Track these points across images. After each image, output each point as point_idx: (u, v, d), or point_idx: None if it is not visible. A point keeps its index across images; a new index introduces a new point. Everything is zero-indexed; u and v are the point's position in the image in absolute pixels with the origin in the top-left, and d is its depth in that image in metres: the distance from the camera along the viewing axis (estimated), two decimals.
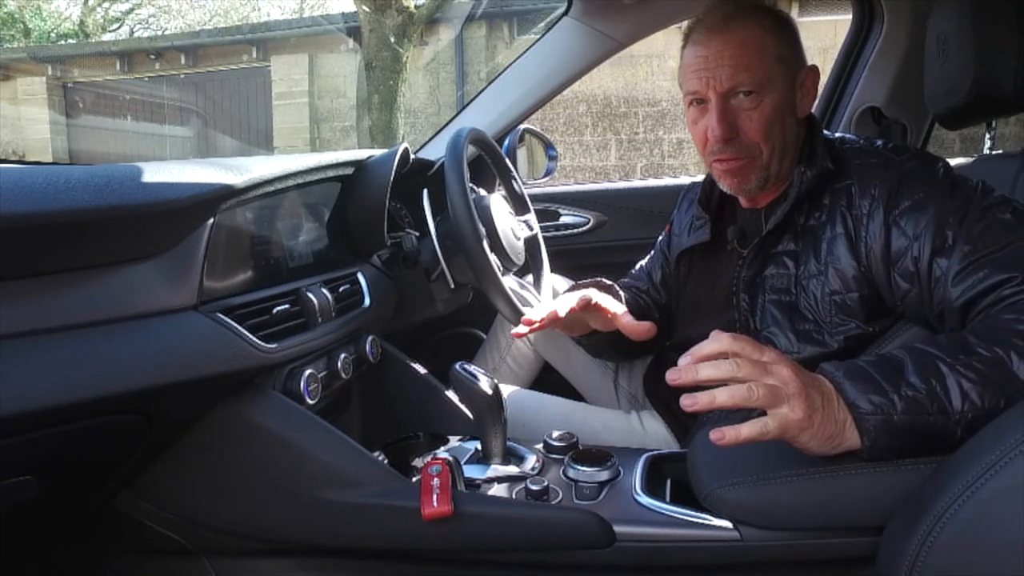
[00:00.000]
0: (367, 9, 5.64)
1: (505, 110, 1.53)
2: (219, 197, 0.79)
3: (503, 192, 1.34)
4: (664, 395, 1.13)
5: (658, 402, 1.15)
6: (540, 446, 0.97)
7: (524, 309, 1.06)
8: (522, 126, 1.55)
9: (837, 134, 0.96)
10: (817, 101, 0.97)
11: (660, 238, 1.25)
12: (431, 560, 0.89)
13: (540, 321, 0.95)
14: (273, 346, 0.85)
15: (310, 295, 0.95)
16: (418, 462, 0.95)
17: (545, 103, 1.56)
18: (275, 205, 0.97)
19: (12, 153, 8.22)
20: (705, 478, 0.78)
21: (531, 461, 0.94)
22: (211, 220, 0.79)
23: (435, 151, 1.49)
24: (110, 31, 11.74)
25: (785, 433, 0.67)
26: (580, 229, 1.70)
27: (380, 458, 0.92)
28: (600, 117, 6.44)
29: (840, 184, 0.88)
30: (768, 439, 0.67)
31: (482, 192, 1.22)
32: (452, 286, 1.21)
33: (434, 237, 1.17)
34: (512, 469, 0.92)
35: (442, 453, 0.96)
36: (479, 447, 0.96)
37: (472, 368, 0.93)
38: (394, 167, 1.14)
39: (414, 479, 0.87)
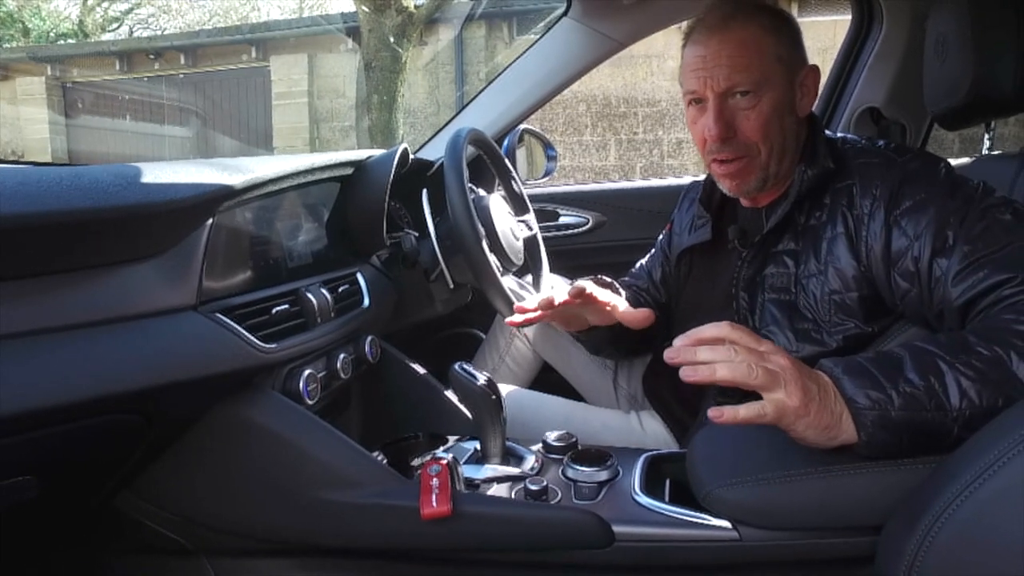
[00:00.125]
0: (366, 9, 5.64)
1: (504, 110, 1.53)
2: (218, 197, 0.79)
3: (502, 192, 1.34)
4: (663, 395, 1.13)
5: (657, 402, 1.15)
6: (539, 446, 0.97)
7: (513, 290, 1.06)
8: (521, 126, 1.55)
9: (839, 134, 0.97)
10: (816, 101, 0.97)
11: (661, 237, 1.25)
12: (430, 560, 0.89)
13: (534, 310, 0.95)
14: (272, 346, 0.85)
15: (309, 295, 0.95)
16: (417, 462, 0.95)
17: (544, 103, 1.56)
18: (274, 205, 0.97)
19: (11, 153, 8.21)
20: (704, 478, 0.78)
21: (530, 461, 0.94)
22: (210, 220, 0.79)
23: (434, 151, 1.49)
24: (109, 31, 11.75)
25: (781, 419, 0.68)
26: (579, 229, 1.70)
27: (379, 458, 0.92)
28: (599, 117, 6.45)
29: (841, 184, 0.88)
30: (765, 422, 0.67)
31: (481, 192, 1.22)
32: (451, 286, 1.21)
33: (433, 237, 1.17)
34: (511, 469, 0.92)
35: (441, 453, 0.96)
36: (478, 447, 0.96)
37: (471, 368, 0.93)
38: (393, 167, 1.14)
39: (413, 479, 0.87)
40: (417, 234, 1.24)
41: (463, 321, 1.61)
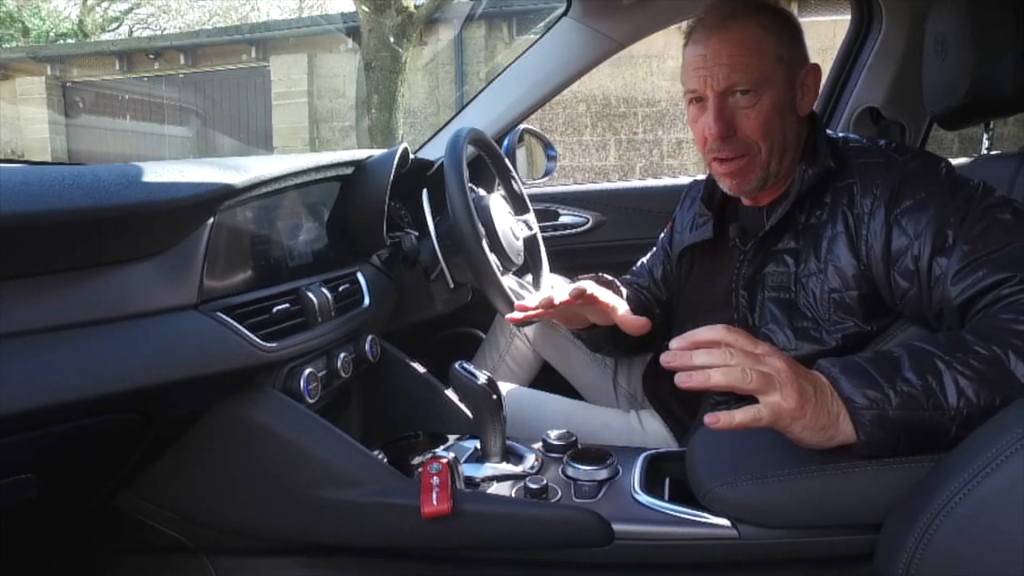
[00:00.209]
0: (366, 9, 5.64)
1: (504, 110, 1.54)
2: (219, 197, 0.80)
3: (502, 192, 1.34)
4: (663, 394, 1.13)
5: (657, 401, 1.15)
6: (539, 445, 0.98)
7: (513, 289, 1.06)
8: (521, 126, 1.55)
9: (840, 133, 0.97)
10: (816, 101, 0.97)
11: (662, 235, 1.25)
12: (430, 558, 0.89)
13: (535, 308, 0.96)
14: (273, 345, 0.85)
15: (310, 294, 0.95)
16: (417, 461, 0.95)
17: (544, 103, 1.56)
18: (275, 205, 0.98)
19: (11, 152, 8.21)
20: (703, 477, 0.78)
21: (530, 460, 0.94)
22: (211, 220, 0.80)
23: (434, 151, 1.49)
24: (109, 31, 11.74)
25: (778, 421, 0.68)
26: (579, 229, 1.70)
27: (380, 457, 0.92)
28: (599, 117, 6.45)
29: (842, 183, 0.88)
30: (761, 425, 0.68)
31: (481, 192, 1.22)
32: (451, 286, 1.21)
33: (433, 237, 1.18)
34: (511, 468, 0.92)
35: (441, 452, 0.96)
36: (478, 446, 0.96)
37: (471, 367, 0.94)
38: (393, 167, 1.15)
39: (414, 478, 0.87)
40: (417, 234, 1.25)
41: (463, 320, 1.61)
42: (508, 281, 1.14)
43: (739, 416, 0.67)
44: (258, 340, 0.83)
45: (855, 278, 0.87)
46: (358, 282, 1.12)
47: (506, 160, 1.33)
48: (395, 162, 1.15)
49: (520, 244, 1.24)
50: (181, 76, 8.20)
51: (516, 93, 1.53)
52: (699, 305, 1.08)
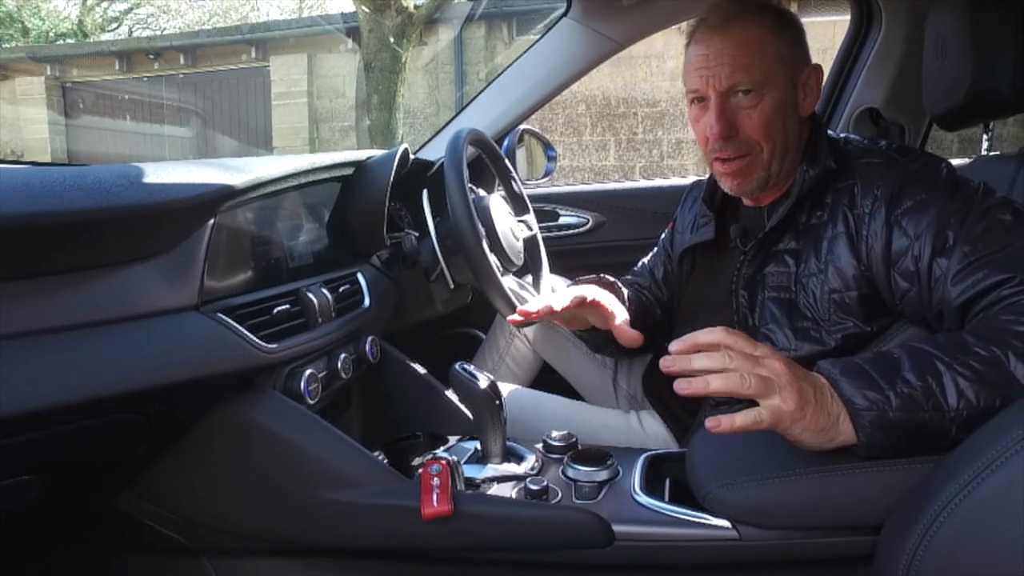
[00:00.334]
0: (366, 9, 5.64)
1: (504, 111, 1.54)
2: (220, 198, 0.80)
3: (502, 193, 1.34)
4: (663, 395, 1.13)
5: (657, 402, 1.15)
6: (539, 446, 0.98)
7: (513, 290, 1.06)
8: (521, 127, 1.55)
9: (841, 134, 0.97)
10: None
11: (663, 236, 1.25)
12: (431, 559, 0.89)
13: (536, 313, 0.96)
14: (273, 346, 0.85)
15: (310, 295, 0.95)
16: (418, 462, 0.95)
17: (544, 104, 1.56)
18: (275, 205, 0.98)
19: (11, 153, 8.21)
20: (704, 478, 0.78)
21: (530, 461, 0.94)
22: (212, 220, 0.80)
23: (434, 151, 1.49)
24: (109, 31, 11.75)
25: (778, 424, 0.68)
26: (579, 229, 1.70)
27: (380, 458, 0.92)
28: (599, 117, 6.45)
29: (843, 183, 0.88)
30: (762, 428, 0.68)
31: (481, 192, 1.22)
32: (451, 286, 1.21)
33: (434, 237, 1.18)
34: (512, 469, 0.92)
35: (442, 453, 0.96)
36: (479, 447, 0.96)
37: (472, 368, 0.94)
38: (394, 168, 1.15)
39: (414, 479, 0.87)
40: (417, 234, 1.24)
41: (463, 321, 1.61)
42: (508, 282, 1.14)
43: (739, 420, 0.67)
44: (258, 341, 0.83)
45: (855, 279, 0.87)
46: (358, 283, 1.12)
47: (506, 161, 1.33)
48: (395, 163, 1.15)
49: (520, 245, 1.24)
50: (181, 76, 8.20)
51: (516, 94, 1.53)
52: (700, 305, 1.08)
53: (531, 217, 1.34)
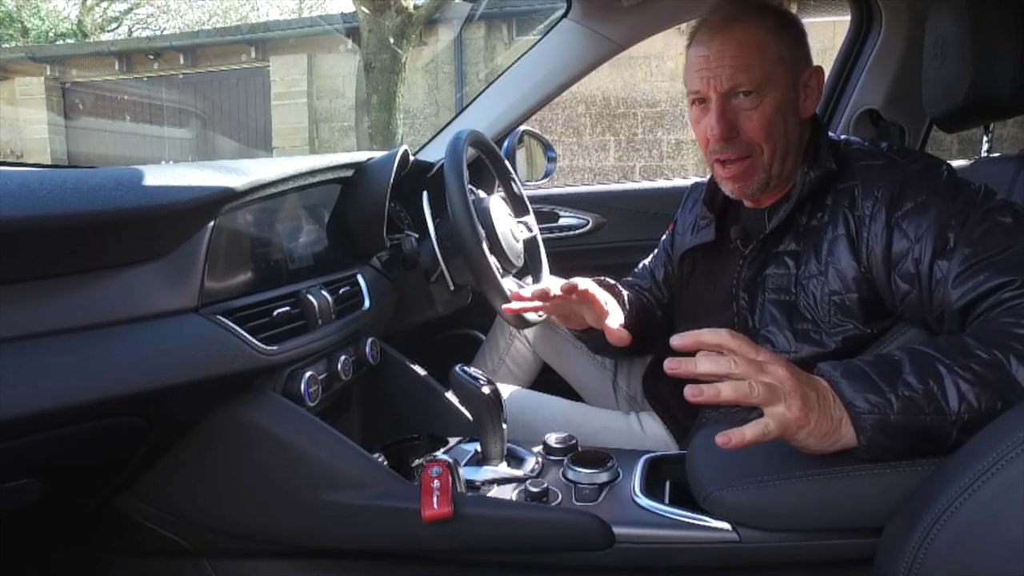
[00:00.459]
0: (366, 10, 5.63)
1: (504, 112, 1.54)
2: (220, 200, 0.80)
3: (502, 194, 1.34)
4: (663, 397, 1.13)
5: (657, 403, 1.15)
6: (539, 448, 0.98)
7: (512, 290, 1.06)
8: (521, 128, 1.55)
9: (842, 136, 0.97)
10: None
11: (664, 237, 1.25)
12: (431, 561, 0.89)
13: (529, 299, 0.96)
14: (273, 348, 0.85)
15: (310, 297, 0.95)
16: (418, 463, 0.95)
17: (544, 105, 1.56)
18: (275, 207, 0.98)
19: (10, 154, 8.21)
20: (704, 480, 0.78)
21: (531, 463, 0.94)
22: (212, 223, 0.80)
23: (434, 153, 1.49)
24: (108, 31, 11.75)
25: (785, 432, 0.68)
26: (579, 231, 1.70)
27: (380, 460, 0.92)
28: (599, 118, 6.45)
29: (843, 185, 0.88)
30: (770, 438, 0.68)
31: (481, 194, 1.22)
32: (451, 288, 1.21)
33: (434, 239, 1.18)
34: (512, 471, 0.92)
35: (442, 455, 0.96)
36: (479, 449, 0.96)
37: (472, 370, 0.94)
38: (394, 169, 1.15)
39: (414, 481, 0.87)
40: (417, 236, 1.24)
41: (463, 323, 1.61)
42: (508, 283, 1.14)
43: (749, 433, 0.67)
44: (258, 343, 0.83)
45: (855, 280, 0.87)
46: (358, 284, 1.12)
47: (506, 162, 1.33)
48: (395, 164, 1.15)
49: (520, 246, 1.24)
50: (181, 77, 8.20)
51: (516, 95, 1.53)
52: (700, 307, 1.08)
53: (531, 218, 1.34)
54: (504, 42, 6.79)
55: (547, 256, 1.35)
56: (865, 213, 0.85)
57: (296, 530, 0.88)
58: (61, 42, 10.81)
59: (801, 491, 0.73)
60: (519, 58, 1.55)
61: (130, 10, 11.92)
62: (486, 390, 0.91)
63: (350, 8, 7.39)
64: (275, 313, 0.89)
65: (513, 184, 1.33)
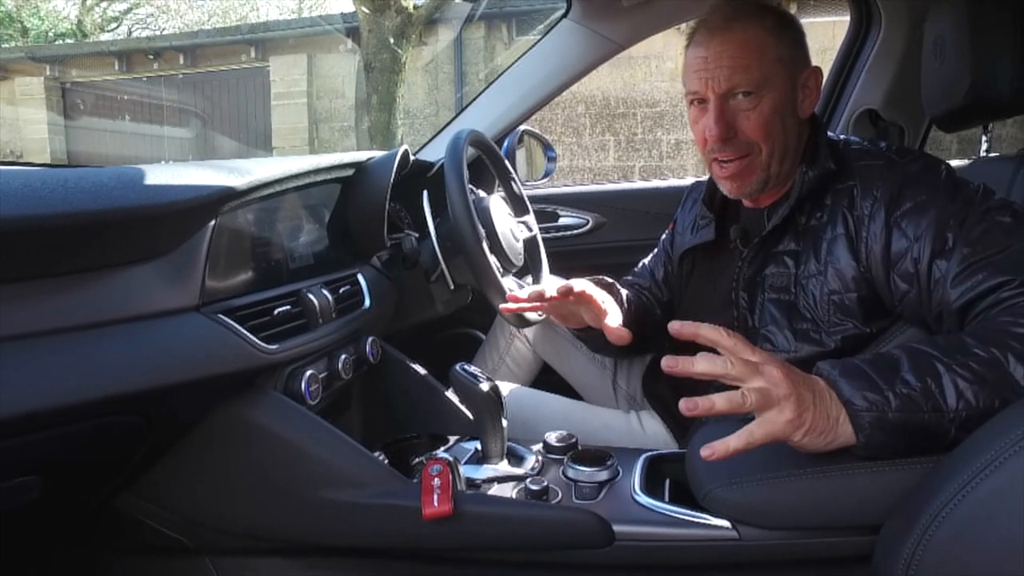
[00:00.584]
0: (366, 10, 5.64)
1: (504, 112, 1.54)
2: (221, 199, 0.80)
3: (502, 193, 1.34)
4: (663, 395, 1.14)
5: (657, 402, 1.15)
6: (539, 446, 0.98)
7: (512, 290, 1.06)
8: (521, 127, 1.55)
9: (841, 136, 0.97)
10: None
11: (664, 236, 1.25)
12: (431, 559, 0.90)
13: (526, 300, 0.96)
14: (274, 347, 0.85)
15: (311, 296, 0.95)
16: (418, 462, 0.95)
17: (544, 105, 1.56)
18: (276, 207, 0.98)
19: (10, 153, 8.21)
20: (703, 478, 0.79)
21: (531, 461, 0.94)
22: (213, 222, 0.80)
23: (434, 152, 1.50)
24: (108, 31, 11.74)
25: (775, 437, 0.68)
26: (579, 230, 1.70)
27: (380, 458, 0.93)
28: (599, 118, 6.45)
29: (842, 185, 0.89)
30: (756, 446, 0.68)
31: (481, 193, 1.22)
32: (452, 287, 1.21)
33: (434, 238, 1.18)
34: (512, 469, 0.92)
35: (442, 453, 0.96)
36: (479, 447, 0.96)
37: (472, 369, 0.94)
38: (394, 169, 1.15)
39: (414, 479, 0.88)
40: (418, 235, 1.25)
41: (463, 322, 1.61)
42: (508, 282, 1.15)
43: (733, 443, 0.68)
44: (259, 342, 0.83)
45: (855, 280, 0.87)
46: (359, 283, 1.12)
47: (506, 161, 1.33)
48: (395, 164, 1.15)
49: (520, 245, 1.24)
50: (180, 76, 8.20)
51: (516, 95, 1.53)
52: (700, 306, 1.08)
53: (531, 218, 1.34)
54: (504, 42, 6.79)
55: (547, 255, 1.35)
56: (864, 213, 0.86)
57: (297, 528, 0.88)
58: (61, 42, 10.81)
59: (800, 489, 0.73)
60: (519, 58, 1.56)
61: (130, 10, 11.92)
62: (486, 389, 0.91)
63: (350, 8, 7.39)
64: (276, 312, 0.89)
65: (513, 184, 1.33)
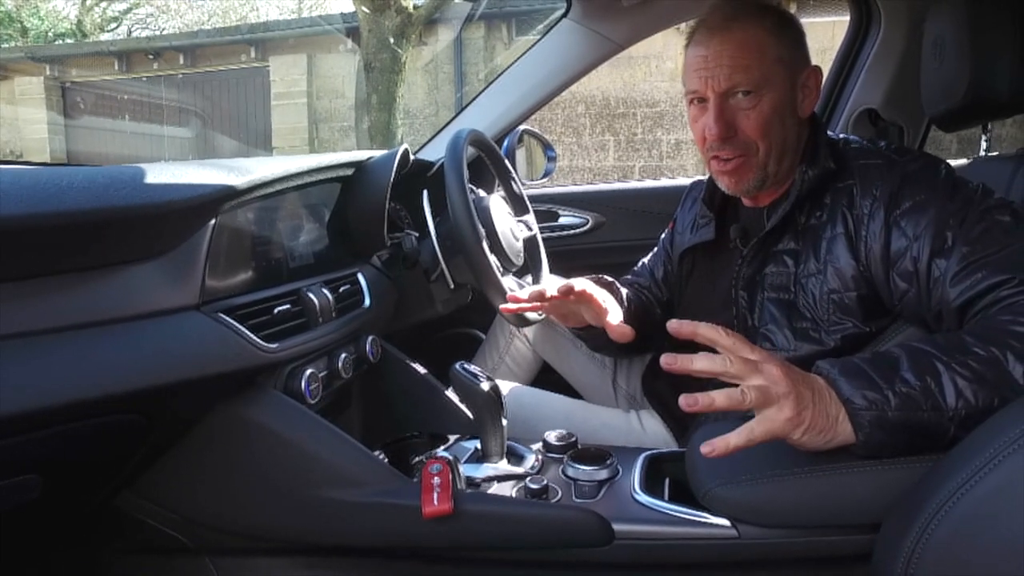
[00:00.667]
0: (366, 10, 5.64)
1: (504, 111, 1.54)
2: (221, 198, 0.80)
3: (502, 193, 1.34)
4: (663, 394, 1.14)
5: (656, 401, 1.15)
6: (539, 445, 0.98)
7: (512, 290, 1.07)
8: (521, 127, 1.55)
9: (841, 135, 0.97)
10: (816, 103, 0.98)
11: (663, 235, 1.25)
12: (431, 558, 0.90)
13: (527, 300, 0.96)
14: (274, 346, 0.85)
15: (311, 295, 0.96)
16: (418, 461, 0.95)
17: (544, 105, 1.57)
18: (276, 206, 0.98)
19: (10, 153, 8.21)
20: (703, 477, 0.79)
21: (530, 460, 0.94)
22: (213, 221, 0.80)
23: (434, 152, 1.50)
24: (108, 31, 11.74)
25: (775, 435, 0.69)
26: (579, 230, 1.70)
27: (380, 457, 0.93)
28: (598, 118, 6.45)
29: (842, 184, 0.89)
30: (756, 444, 0.68)
31: (481, 193, 1.22)
32: (452, 286, 1.21)
33: (434, 238, 1.18)
34: (512, 468, 0.92)
35: (442, 452, 0.96)
36: (479, 446, 0.96)
37: (472, 368, 0.94)
38: (394, 168, 1.15)
39: (414, 478, 0.88)
40: (417, 234, 1.25)
41: (463, 321, 1.61)
42: (508, 282, 1.15)
43: (733, 440, 0.68)
44: (259, 341, 0.83)
45: (854, 279, 0.87)
46: (359, 283, 1.12)
47: (506, 161, 1.34)
48: (395, 163, 1.15)
49: (520, 245, 1.24)
50: (180, 76, 8.20)
51: (516, 94, 1.54)
52: (699, 306, 1.08)
53: (531, 217, 1.34)
54: (504, 42, 6.79)
55: (547, 255, 1.35)
56: (864, 212, 0.86)
57: (297, 527, 0.88)
58: (60, 42, 10.81)
59: (800, 487, 0.73)
60: (519, 58, 1.56)
61: (129, 10, 11.91)
62: (486, 388, 0.91)
63: (350, 8, 7.39)
64: (276, 311, 0.89)
65: (513, 183, 1.33)
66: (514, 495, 0.86)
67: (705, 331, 0.70)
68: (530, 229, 1.32)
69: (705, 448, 0.68)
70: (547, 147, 1.63)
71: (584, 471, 0.87)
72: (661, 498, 0.83)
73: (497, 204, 1.20)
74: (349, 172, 1.15)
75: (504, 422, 0.94)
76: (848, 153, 0.91)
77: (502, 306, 0.99)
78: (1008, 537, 0.55)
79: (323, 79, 7.38)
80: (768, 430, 0.68)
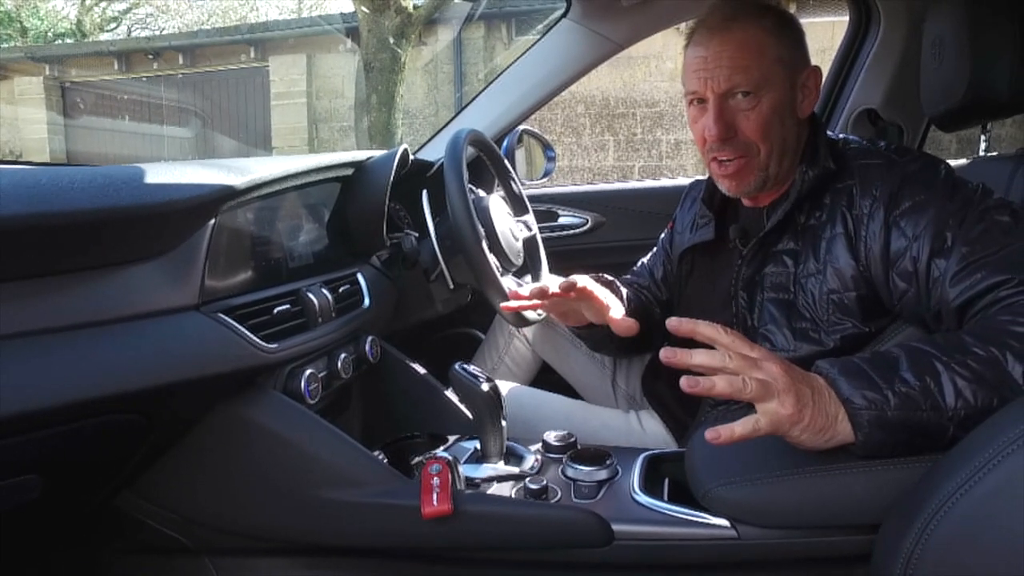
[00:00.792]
0: (365, 9, 5.64)
1: (504, 111, 1.54)
2: (220, 198, 0.80)
3: (502, 193, 1.34)
4: (662, 395, 1.14)
5: (656, 402, 1.15)
6: (539, 446, 0.98)
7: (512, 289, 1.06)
8: (521, 127, 1.55)
9: (840, 135, 0.97)
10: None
11: (663, 235, 1.25)
12: (431, 559, 0.90)
13: (528, 298, 0.96)
14: (274, 346, 0.85)
15: (310, 295, 0.95)
16: (418, 461, 0.95)
17: (544, 105, 1.56)
18: (275, 206, 0.98)
19: (9, 153, 8.20)
20: (703, 477, 0.79)
21: (530, 460, 0.94)
22: (212, 221, 0.80)
23: (434, 152, 1.50)
24: (107, 31, 11.73)
25: (777, 428, 0.68)
26: (578, 230, 1.70)
27: (380, 457, 0.93)
28: (598, 118, 6.45)
29: (842, 184, 0.89)
30: (760, 435, 0.68)
31: (481, 193, 1.22)
32: (451, 286, 1.21)
33: (433, 238, 1.18)
34: (511, 468, 0.92)
35: (441, 452, 0.97)
36: (478, 446, 0.96)
37: (471, 368, 0.94)
38: (394, 168, 1.15)
39: (414, 478, 0.88)
40: (417, 234, 1.25)
41: (463, 321, 1.61)
42: (507, 282, 1.15)
43: (739, 429, 0.68)
44: (259, 341, 0.83)
45: (854, 279, 0.87)
46: (358, 283, 1.12)
47: (505, 161, 1.34)
48: (395, 163, 1.16)
49: (519, 245, 1.24)
50: (180, 76, 8.19)
51: (515, 94, 1.54)
52: (699, 306, 1.08)
53: (530, 217, 1.34)
54: (504, 42, 6.79)
55: (546, 255, 1.35)
56: (863, 212, 0.86)
57: (296, 528, 0.88)
58: (60, 42, 10.80)
59: (799, 488, 0.73)
60: (519, 58, 1.56)
61: (129, 10, 11.91)
62: (485, 388, 0.91)
63: (350, 8, 7.39)
64: (275, 311, 0.89)
65: (512, 183, 1.33)
66: (514, 495, 0.86)
67: (704, 329, 0.70)
68: (529, 229, 1.32)
69: (710, 434, 0.68)
70: (547, 147, 1.63)
71: (583, 471, 0.87)
72: (660, 498, 0.83)
73: (497, 204, 1.20)
74: (349, 172, 1.15)
75: (503, 422, 0.94)
76: (848, 153, 0.91)
77: (503, 304, 0.99)
78: (1008, 537, 0.55)
79: (323, 79, 7.38)
80: (771, 421, 0.68)
